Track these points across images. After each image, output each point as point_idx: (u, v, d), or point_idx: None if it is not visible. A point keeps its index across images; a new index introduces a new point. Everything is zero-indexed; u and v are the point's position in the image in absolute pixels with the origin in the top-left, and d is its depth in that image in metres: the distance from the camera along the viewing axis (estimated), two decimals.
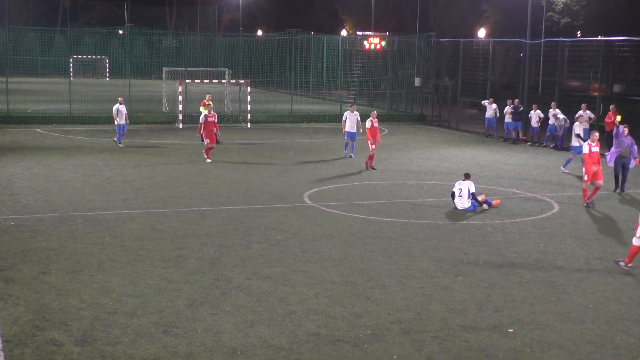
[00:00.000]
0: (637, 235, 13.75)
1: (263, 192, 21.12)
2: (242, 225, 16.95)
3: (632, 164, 21.93)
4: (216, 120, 26.66)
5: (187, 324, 10.85)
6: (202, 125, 26.52)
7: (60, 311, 11.23)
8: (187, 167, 25.18)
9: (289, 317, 11.20)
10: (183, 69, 45.72)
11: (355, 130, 27.43)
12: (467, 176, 19.52)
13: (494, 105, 36.48)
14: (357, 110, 27.71)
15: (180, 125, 37.48)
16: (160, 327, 10.68)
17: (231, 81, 43.29)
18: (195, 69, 48.20)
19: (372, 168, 25.42)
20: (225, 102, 43.70)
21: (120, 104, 29.99)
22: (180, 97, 37.79)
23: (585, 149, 19.68)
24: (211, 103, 31.57)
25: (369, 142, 25.41)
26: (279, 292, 12.33)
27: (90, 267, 13.51)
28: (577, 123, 26.82)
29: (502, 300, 12.24)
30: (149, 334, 10.45)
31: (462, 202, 19.09)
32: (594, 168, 19.45)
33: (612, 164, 21.82)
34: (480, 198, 19.29)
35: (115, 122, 30.04)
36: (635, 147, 21.75)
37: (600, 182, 19.75)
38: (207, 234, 16.11)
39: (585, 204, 19.92)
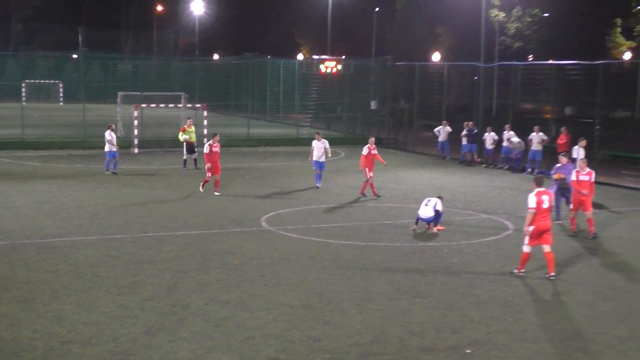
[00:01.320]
0: (526, 242, 14.91)
1: (220, 216, 21.01)
2: (199, 251, 16.82)
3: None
4: (219, 151, 24.92)
5: (143, 351, 10.70)
6: (208, 155, 24.43)
7: (12, 342, 10.99)
8: (143, 192, 24.94)
9: (247, 343, 11.11)
10: (139, 93, 45.42)
11: (324, 160, 26.37)
12: (440, 197, 19.80)
13: (448, 128, 36.87)
14: (324, 138, 26.71)
15: (136, 150, 37.15)
16: (116, 356, 10.51)
17: (187, 105, 43.11)
18: (151, 93, 47.91)
19: (377, 195, 24.59)
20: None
21: (112, 130, 29.45)
22: (135, 122, 37.49)
23: (573, 177, 18.94)
24: (193, 128, 31.39)
25: (365, 169, 24.39)
26: (237, 317, 12.24)
27: (43, 296, 13.26)
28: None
29: (459, 321, 12.31)
30: None
31: (427, 210, 19.29)
32: (584, 192, 18.59)
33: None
34: (437, 228, 19.38)
35: (110, 149, 29.08)
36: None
37: (588, 212, 18.80)
38: (163, 260, 15.95)
39: (572, 233, 19.19)
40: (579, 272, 15.60)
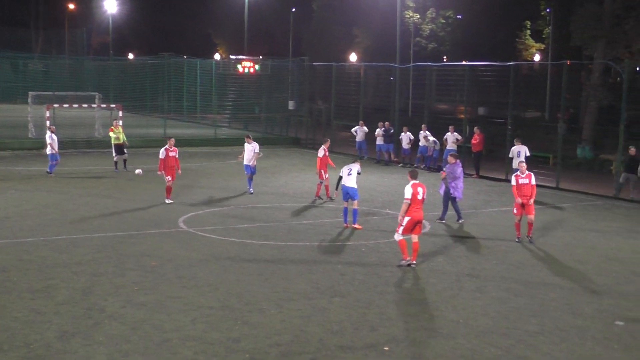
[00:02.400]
0: (400, 231, 15.73)
1: (137, 217, 20.68)
2: (115, 253, 16.52)
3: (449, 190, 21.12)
4: (177, 155, 23.60)
5: (57, 356, 10.44)
6: (163, 160, 23.10)
7: None
8: (56, 195, 24.33)
9: (165, 345, 10.98)
10: (51, 93, 44.26)
11: (255, 163, 25.23)
12: (355, 159, 20.49)
13: (365, 128, 37.23)
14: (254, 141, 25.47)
15: (49, 151, 36.15)
16: None
17: (102, 105, 42.23)
18: (64, 93, 46.72)
19: (330, 198, 24.17)
20: (96, 127, 42.61)
21: (53, 132, 28.77)
22: (48, 122, 36.51)
23: (513, 181, 18.74)
24: (120, 129, 30.87)
25: (320, 171, 24.07)
26: (154, 320, 12.07)
27: None
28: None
29: (377, 319, 12.45)
30: None
31: (350, 180, 19.78)
32: (519, 200, 18.40)
33: (441, 192, 21.45)
34: (355, 226, 19.73)
35: (50, 151, 28.50)
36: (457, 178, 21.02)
37: (531, 216, 18.54)
38: (78, 263, 15.60)
39: (517, 239, 18.74)
40: (492, 269, 16.00)
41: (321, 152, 24.51)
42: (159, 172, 23.22)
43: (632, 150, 26.19)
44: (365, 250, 17.44)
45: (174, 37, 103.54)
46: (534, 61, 68.56)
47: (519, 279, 15.30)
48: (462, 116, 37.41)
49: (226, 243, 17.83)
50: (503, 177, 30.33)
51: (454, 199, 21.21)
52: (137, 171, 25.40)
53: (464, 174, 21.86)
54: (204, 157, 36.80)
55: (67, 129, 40.63)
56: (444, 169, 21.49)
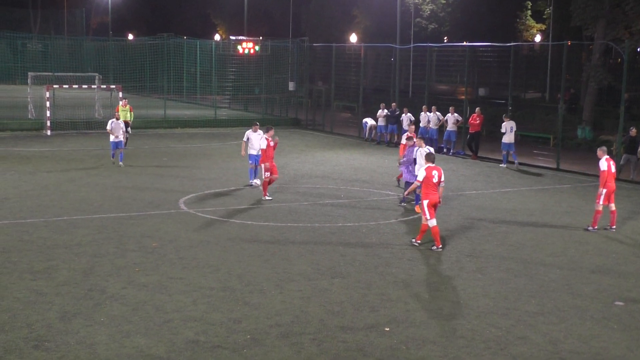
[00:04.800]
0: (428, 217, 15.64)
1: (137, 199, 20.69)
2: (115, 234, 16.54)
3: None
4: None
5: (59, 337, 10.48)
6: (265, 152, 21.04)
7: None
8: (56, 175, 24.32)
9: (167, 326, 11.02)
10: (50, 73, 44.15)
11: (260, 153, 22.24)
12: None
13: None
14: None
15: (49, 132, 36.18)
16: (30, 342, 10.27)
17: (102, 86, 42.14)
18: (64, 74, 46.59)
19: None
20: (96, 107, 42.55)
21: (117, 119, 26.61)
22: (47, 103, 36.48)
23: (605, 166, 17.79)
24: (128, 107, 30.62)
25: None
26: (155, 301, 12.11)
27: None
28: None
29: (378, 300, 12.49)
30: (18, 349, 10.02)
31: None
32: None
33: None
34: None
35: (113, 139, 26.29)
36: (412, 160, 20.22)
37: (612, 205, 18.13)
38: (79, 244, 15.63)
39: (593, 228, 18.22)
40: (492, 250, 16.03)
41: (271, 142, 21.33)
42: (263, 165, 21.02)
43: (633, 131, 26.18)
44: (366, 232, 17.46)
45: (173, 18, 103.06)
46: (534, 42, 68.39)
47: (519, 259, 15.33)
48: (463, 97, 37.33)
49: (227, 224, 17.85)
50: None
51: (407, 182, 20.34)
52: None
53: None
54: (204, 138, 36.76)
55: (67, 109, 40.60)
56: (404, 153, 20.62)
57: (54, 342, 10.30)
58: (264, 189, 21.02)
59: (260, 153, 21.96)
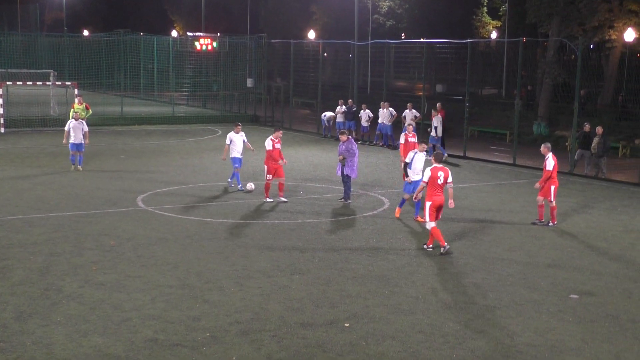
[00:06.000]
0: (428, 220, 15.34)
1: (94, 197, 20.45)
2: (72, 232, 16.34)
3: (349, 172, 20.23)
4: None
5: (14, 337, 10.33)
6: (270, 152, 20.39)
7: None
8: (10, 173, 23.92)
9: (125, 324, 10.92)
10: (3, 70, 43.36)
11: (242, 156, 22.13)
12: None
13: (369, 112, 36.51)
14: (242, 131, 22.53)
15: (2, 130, 35.56)
16: None
17: (57, 83, 41.53)
18: (17, 70, 45.82)
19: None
20: (52, 104, 41.92)
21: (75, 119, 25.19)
22: (0, 100, 35.84)
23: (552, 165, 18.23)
24: (83, 105, 30.30)
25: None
26: (113, 299, 11.99)
27: None
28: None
29: (337, 296, 12.53)
30: None
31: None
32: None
33: (339, 173, 20.68)
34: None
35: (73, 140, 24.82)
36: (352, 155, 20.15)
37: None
38: (34, 243, 15.40)
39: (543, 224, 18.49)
40: (451, 246, 16.16)
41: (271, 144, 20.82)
42: (266, 166, 20.51)
43: (587, 127, 26.60)
44: (325, 228, 17.50)
45: (129, 14, 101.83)
46: (490, 38, 69.00)
47: (477, 254, 15.50)
48: (421, 93, 37.57)
49: (185, 221, 17.75)
50: (461, 154, 30.63)
51: (348, 178, 20.26)
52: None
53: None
54: (162, 136, 36.46)
55: (22, 107, 39.94)
56: (340, 149, 20.20)
57: (9, 342, 10.15)
58: (266, 190, 20.45)
59: (242, 156, 21.82)
